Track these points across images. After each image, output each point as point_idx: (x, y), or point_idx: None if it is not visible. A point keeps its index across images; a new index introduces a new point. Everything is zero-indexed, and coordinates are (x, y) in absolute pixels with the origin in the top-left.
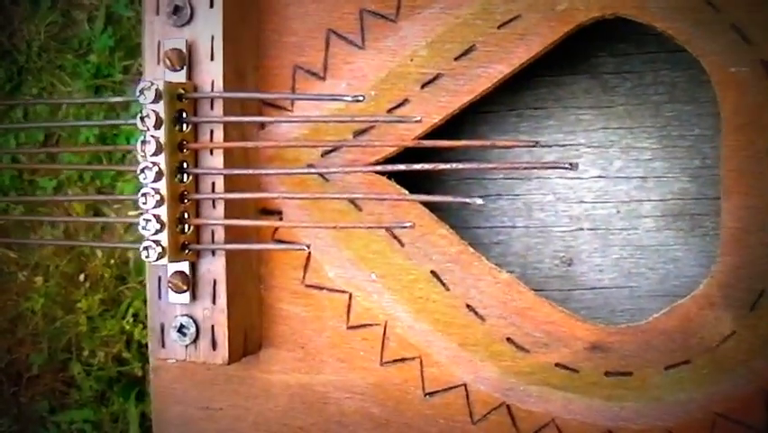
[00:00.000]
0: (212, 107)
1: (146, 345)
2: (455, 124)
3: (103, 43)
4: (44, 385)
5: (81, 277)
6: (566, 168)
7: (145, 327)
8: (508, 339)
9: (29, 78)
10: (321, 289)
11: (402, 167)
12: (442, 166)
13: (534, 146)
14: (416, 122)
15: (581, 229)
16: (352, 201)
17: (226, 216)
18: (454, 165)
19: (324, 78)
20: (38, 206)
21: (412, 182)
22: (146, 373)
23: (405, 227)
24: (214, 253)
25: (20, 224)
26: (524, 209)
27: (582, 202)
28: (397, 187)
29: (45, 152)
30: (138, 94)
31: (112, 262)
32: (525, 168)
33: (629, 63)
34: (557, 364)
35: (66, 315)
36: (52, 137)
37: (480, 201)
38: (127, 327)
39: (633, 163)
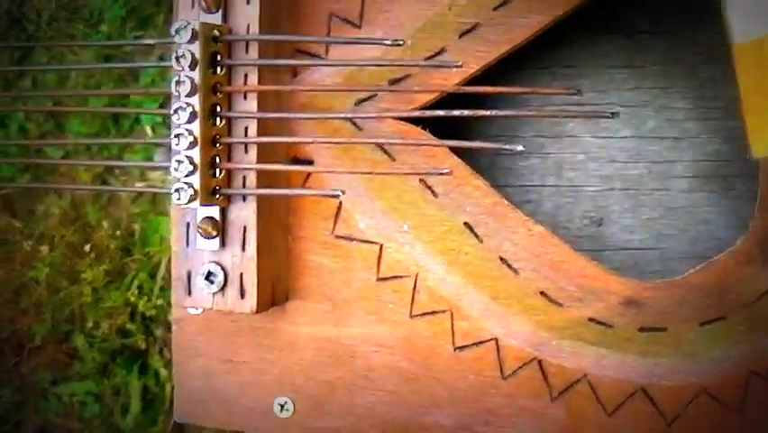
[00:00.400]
0: (247, 51)
1: (150, 318)
2: (489, 81)
3: (114, 13)
4: (47, 356)
5: (86, 247)
6: (607, 116)
7: (150, 299)
8: (542, 293)
9: (39, 48)
10: (351, 240)
11: (441, 112)
12: (481, 112)
13: (576, 94)
14: (457, 67)
15: (612, 189)
16: (384, 150)
17: (258, 162)
18: (494, 112)
19: (359, 27)
20: (47, 174)
21: (444, 135)
22: (149, 346)
23: (442, 174)
24: (245, 198)
25: (26, 193)
26: (554, 168)
27: (614, 162)
28: (431, 136)
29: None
30: (173, 33)
31: (117, 233)
32: (567, 116)
33: (664, 23)
34: (591, 319)
35: (70, 285)
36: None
37: (520, 148)
38: (132, 299)
39: (666, 124)
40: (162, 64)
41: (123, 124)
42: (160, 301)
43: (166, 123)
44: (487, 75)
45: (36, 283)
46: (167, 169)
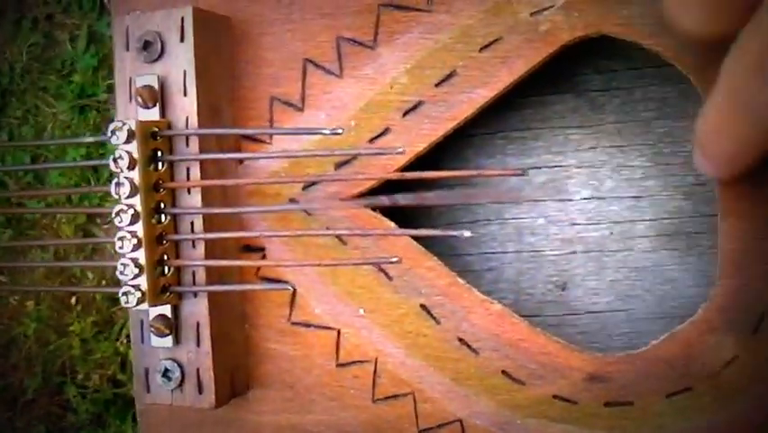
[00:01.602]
0: (187, 144)
1: None
2: (439, 149)
3: (86, 63)
4: (40, 409)
5: (73, 300)
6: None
7: None
8: (503, 372)
9: (13, 101)
10: (308, 326)
11: (385, 200)
12: (426, 201)
13: (522, 175)
14: (399, 153)
15: (574, 252)
16: (336, 236)
17: (207, 256)
18: (436, 200)
19: (302, 109)
20: (28, 229)
21: (396, 212)
22: None
23: (391, 262)
24: (196, 294)
25: (10, 249)
26: (514, 234)
27: (575, 224)
28: (383, 219)
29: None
30: (109, 135)
31: (103, 283)
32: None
33: (617, 80)
34: (555, 396)
35: (59, 338)
36: (38, 159)
37: (467, 234)
38: (121, 349)
39: (625, 183)
40: (99, 163)
41: (104, 173)
42: None
43: None
44: (437, 143)
45: (25, 337)
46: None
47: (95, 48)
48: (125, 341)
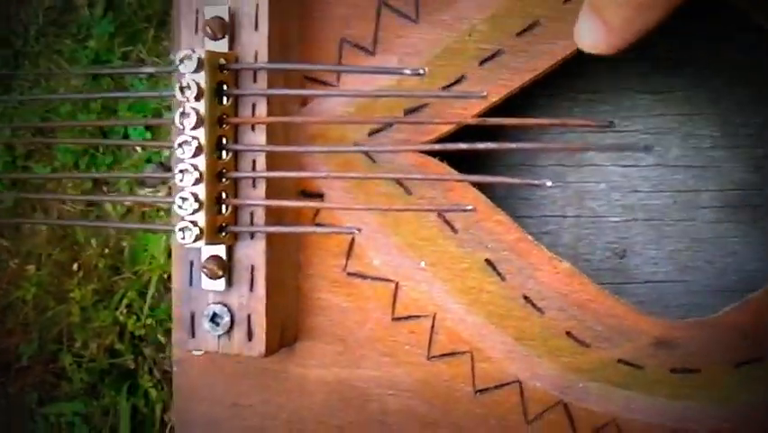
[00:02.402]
0: (255, 80)
1: (139, 337)
2: (502, 110)
3: (102, 29)
4: (34, 377)
5: (74, 266)
6: (642, 151)
7: (139, 318)
8: (568, 333)
9: (26, 63)
10: (364, 277)
11: (464, 145)
12: (507, 145)
13: (608, 126)
14: (482, 97)
15: (635, 220)
16: (400, 183)
17: (267, 197)
18: (521, 145)
19: (373, 53)
20: (34, 191)
21: (460, 166)
22: (138, 366)
23: (465, 210)
24: (253, 235)
25: (12, 210)
26: (575, 198)
27: (637, 191)
28: (450, 169)
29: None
30: (177, 62)
31: (106, 251)
32: (597, 150)
33: (689, 47)
34: (620, 360)
35: (58, 305)
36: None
37: (549, 183)
38: (120, 319)
39: (692, 151)
40: (164, 93)
41: (111, 137)
42: (149, 321)
43: (154, 135)
44: (502, 103)
45: (23, 302)
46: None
47: (112, 14)
48: (125, 311)
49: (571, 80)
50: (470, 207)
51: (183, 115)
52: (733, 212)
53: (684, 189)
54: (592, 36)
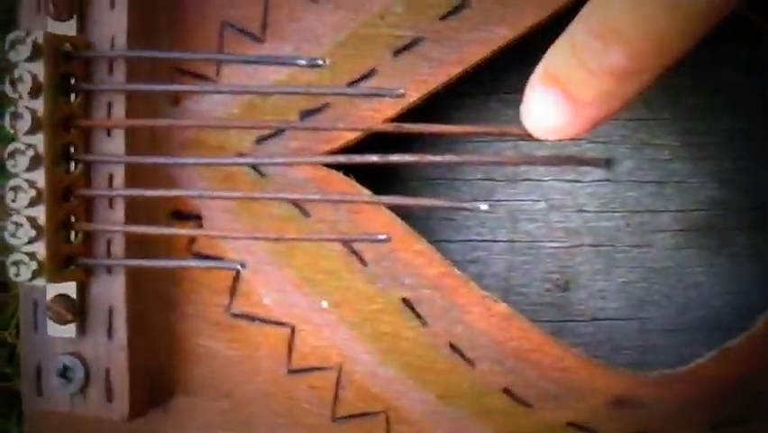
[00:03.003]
0: (111, 71)
1: None
2: (420, 111)
3: None
4: None
5: None
6: (600, 166)
7: None
8: (506, 390)
9: None
10: (253, 319)
11: (374, 158)
12: (429, 158)
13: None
14: (397, 96)
15: (580, 245)
16: (296, 203)
17: (128, 220)
18: (446, 158)
19: (262, 40)
20: None
21: (369, 181)
22: None
23: (378, 240)
24: (110, 270)
25: None
26: (507, 219)
27: (582, 211)
28: (357, 185)
29: None
30: (7, 48)
31: None
32: (544, 164)
33: None
34: (570, 424)
35: None
36: None
37: (484, 207)
38: (9, 340)
39: (647, 164)
40: None
41: None
42: None
43: None
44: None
45: None
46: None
47: None
48: (14, 332)
49: (501, 76)
50: (383, 237)
51: (15, 116)
52: (696, 236)
53: (639, 209)
54: (553, 118)
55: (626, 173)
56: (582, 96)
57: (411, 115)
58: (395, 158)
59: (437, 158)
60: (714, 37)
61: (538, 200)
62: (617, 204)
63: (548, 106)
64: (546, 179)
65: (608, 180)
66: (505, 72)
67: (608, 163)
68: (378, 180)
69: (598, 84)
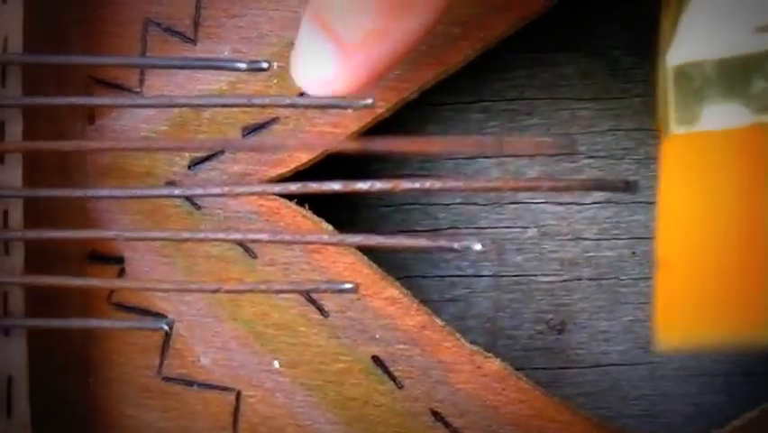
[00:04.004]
0: (3, 82)
1: None
2: (389, 122)
3: None
4: None
5: None
6: (617, 188)
7: None
8: None
9: None
10: (189, 384)
11: (336, 186)
12: (404, 185)
13: (571, 151)
14: (364, 107)
15: (579, 279)
16: (241, 243)
17: (28, 269)
18: (427, 184)
19: (193, 41)
20: None
21: (327, 209)
22: None
23: (342, 291)
24: (7, 331)
25: None
26: (492, 250)
27: (580, 239)
28: (315, 219)
29: None
30: None
31: None
32: (546, 188)
33: (648, 36)
34: None
35: None
36: None
37: (478, 246)
38: None
39: (655, 182)
40: None
41: None
42: None
43: None
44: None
45: None
46: None
47: None
48: None
49: (485, 81)
50: (348, 286)
51: None
52: None
53: (646, 236)
54: (321, 66)
55: (632, 193)
56: (349, 38)
57: (378, 129)
58: (362, 185)
59: (416, 185)
60: None
61: (528, 227)
62: (621, 229)
63: (314, 54)
64: (537, 201)
65: (609, 202)
66: (487, 77)
67: (627, 186)
68: (339, 206)
69: (366, 22)
